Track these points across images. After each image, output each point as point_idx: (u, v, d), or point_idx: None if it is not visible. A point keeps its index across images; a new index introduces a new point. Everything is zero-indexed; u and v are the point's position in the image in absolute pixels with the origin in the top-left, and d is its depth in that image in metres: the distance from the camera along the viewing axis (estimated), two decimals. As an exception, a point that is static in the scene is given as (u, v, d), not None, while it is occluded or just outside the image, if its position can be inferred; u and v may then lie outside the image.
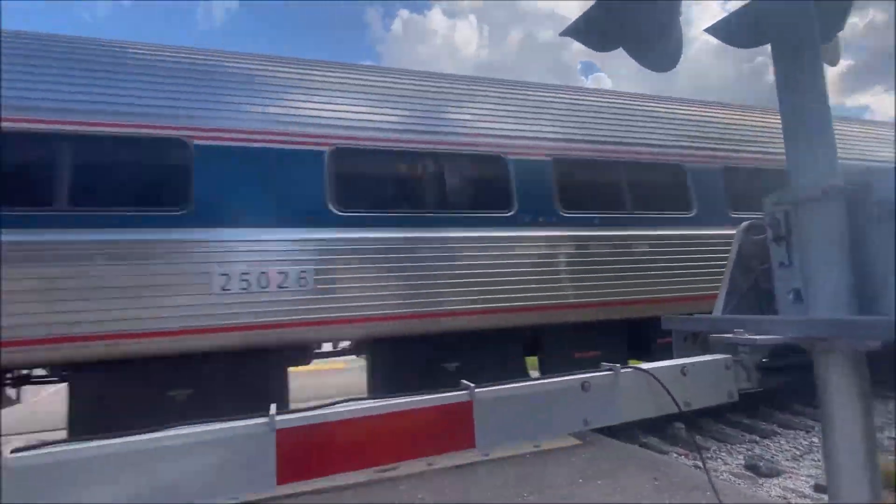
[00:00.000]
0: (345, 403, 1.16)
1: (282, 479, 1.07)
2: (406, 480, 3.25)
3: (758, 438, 4.39)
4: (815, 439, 4.24)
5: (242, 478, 1.06)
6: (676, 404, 1.30)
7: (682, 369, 1.34)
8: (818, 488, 3.23)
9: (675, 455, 4.04)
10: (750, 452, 4.03)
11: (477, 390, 1.21)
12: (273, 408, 1.12)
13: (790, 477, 3.49)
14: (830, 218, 1.46)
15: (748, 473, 3.55)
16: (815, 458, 3.84)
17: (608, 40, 1.91)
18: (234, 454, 1.05)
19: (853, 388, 1.40)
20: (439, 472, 3.38)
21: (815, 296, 1.49)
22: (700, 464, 3.67)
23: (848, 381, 1.40)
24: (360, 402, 1.19)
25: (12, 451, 0.94)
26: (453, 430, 1.20)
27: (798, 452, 3.98)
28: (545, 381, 1.27)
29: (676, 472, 3.32)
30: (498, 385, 1.24)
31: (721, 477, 3.55)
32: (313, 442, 1.10)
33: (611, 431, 4.06)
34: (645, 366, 1.31)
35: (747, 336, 1.38)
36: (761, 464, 3.58)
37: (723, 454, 4.07)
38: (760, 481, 3.44)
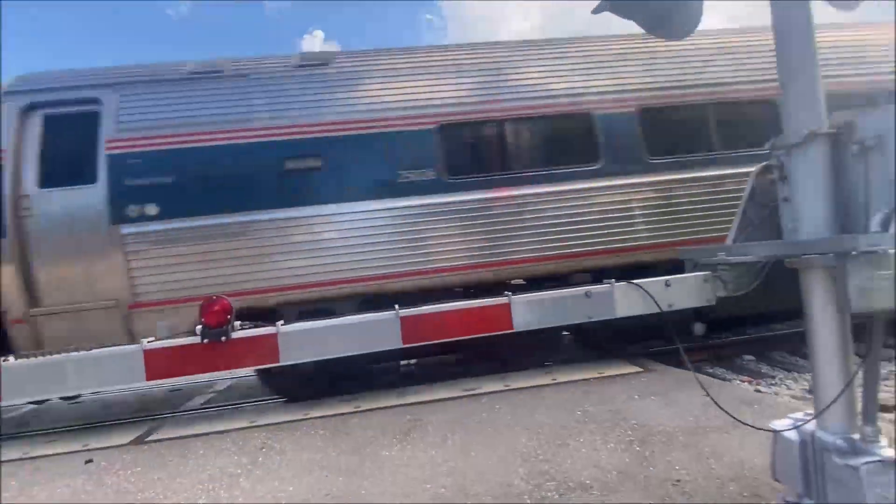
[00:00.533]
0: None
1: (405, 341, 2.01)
2: (488, 396, 3.98)
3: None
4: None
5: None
6: (658, 305, 1.75)
7: (667, 282, 1.78)
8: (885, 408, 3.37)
9: (737, 382, 4.30)
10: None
11: (513, 296, 2.02)
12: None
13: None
14: (815, 158, 1.73)
15: (809, 396, 3.74)
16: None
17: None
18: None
19: (829, 303, 1.72)
20: (514, 391, 4.07)
21: (802, 225, 1.80)
22: (760, 388, 3.94)
23: (824, 296, 1.73)
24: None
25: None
26: (500, 319, 2.07)
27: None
28: (559, 291, 1.86)
29: (730, 392, 3.66)
30: (527, 293, 1.94)
31: (780, 398, 3.80)
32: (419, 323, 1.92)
33: (676, 362, 4.42)
34: (636, 281, 1.76)
35: (721, 256, 1.76)
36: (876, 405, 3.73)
37: (788, 381, 4.24)
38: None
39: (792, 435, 1.85)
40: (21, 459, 3.66)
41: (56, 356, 2.83)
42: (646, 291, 2.01)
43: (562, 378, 4.26)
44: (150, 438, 3.87)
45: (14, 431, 4.73)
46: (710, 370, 4.66)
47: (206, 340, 2.74)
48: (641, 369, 4.28)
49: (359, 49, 5.26)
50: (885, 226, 1.50)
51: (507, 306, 2.59)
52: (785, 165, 1.89)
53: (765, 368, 4.65)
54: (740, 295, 2.08)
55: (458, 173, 4.64)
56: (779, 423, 1.94)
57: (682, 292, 2.11)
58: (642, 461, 2.64)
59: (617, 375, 4.20)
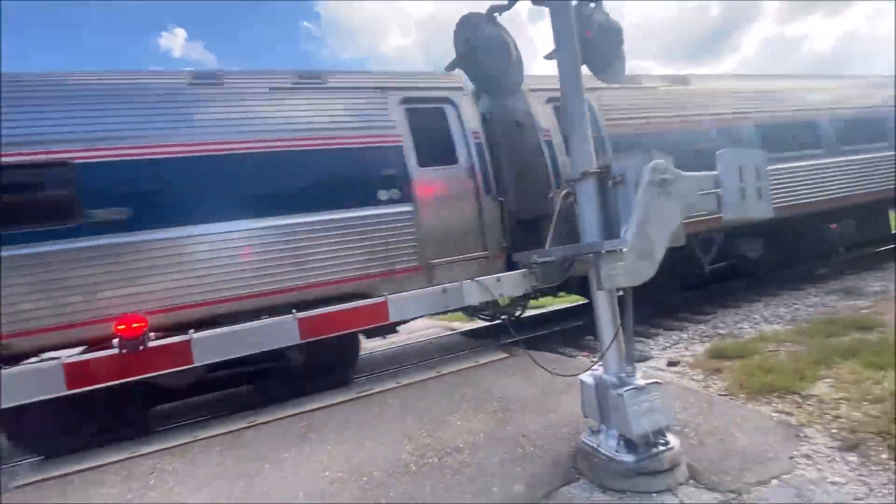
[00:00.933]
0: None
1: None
2: (380, 395, 4.40)
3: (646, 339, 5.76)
4: (685, 334, 5.67)
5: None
6: (492, 293, 2.42)
7: (498, 278, 2.47)
8: (670, 363, 4.60)
9: (579, 356, 5.36)
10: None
11: (390, 296, 2.54)
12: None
13: (656, 360, 4.85)
14: (589, 189, 2.54)
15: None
16: (680, 348, 5.23)
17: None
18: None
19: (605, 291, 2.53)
20: (404, 387, 4.55)
21: (584, 235, 2.60)
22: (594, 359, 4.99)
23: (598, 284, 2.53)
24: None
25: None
26: (381, 312, 2.65)
27: (668, 344, 5.38)
28: (426, 290, 2.45)
29: (573, 364, 4.60)
30: (401, 294, 2.48)
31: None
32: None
33: (537, 348, 5.34)
34: (479, 278, 2.40)
35: (534, 257, 2.50)
36: (635, 353, 4.91)
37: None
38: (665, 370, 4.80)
39: (589, 380, 2.64)
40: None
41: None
42: (484, 285, 2.71)
43: (445, 370, 4.87)
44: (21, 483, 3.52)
45: None
46: (562, 350, 5.68)
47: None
48: (507, 355, 5.09)
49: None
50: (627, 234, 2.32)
51: (384, 303, 3.43)
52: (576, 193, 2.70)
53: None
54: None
55: None
56: (583, 375, 2.72)
57: (509, 284, 2.91)
58: (503, 424, 3.33)
59: (488, 362, 4.93)
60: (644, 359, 4.87)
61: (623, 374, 2.51)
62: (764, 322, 5.69)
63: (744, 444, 2.69)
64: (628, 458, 2.36)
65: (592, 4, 2.75)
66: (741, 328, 5.61)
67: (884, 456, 2.44)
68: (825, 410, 3.05)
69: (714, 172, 2.46)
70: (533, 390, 3.90)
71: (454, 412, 3.64)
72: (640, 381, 2.46)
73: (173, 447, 3.80)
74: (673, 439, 2.46)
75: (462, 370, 4.80)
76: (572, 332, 6.43)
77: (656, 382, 2.47)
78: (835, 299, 6.25)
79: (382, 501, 2.55)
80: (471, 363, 4.99)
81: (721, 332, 5.57)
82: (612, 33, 2.85)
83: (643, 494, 2.29)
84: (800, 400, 3.26)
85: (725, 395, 3.58)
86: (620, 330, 2.54)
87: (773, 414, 3.11)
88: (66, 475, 3.52)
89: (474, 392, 4.06)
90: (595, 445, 2.52)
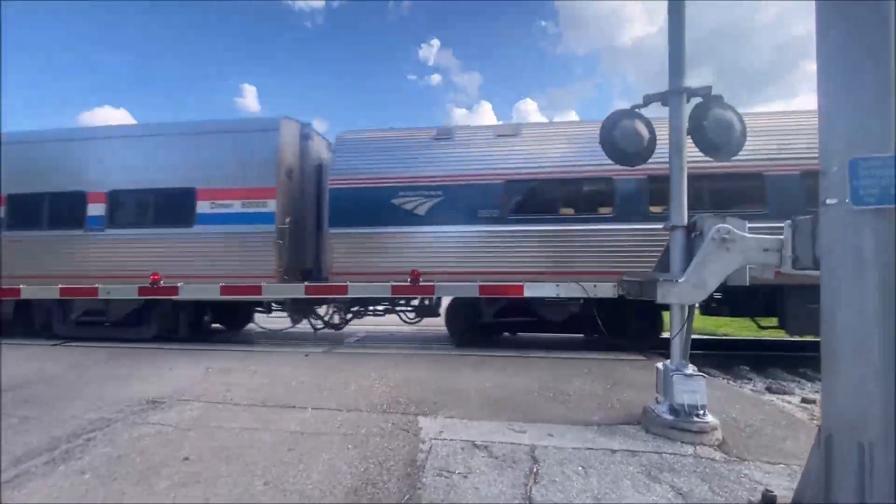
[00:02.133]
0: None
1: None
2: (536, 359, 6.16)
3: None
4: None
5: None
6: (586, 291, 3.84)
7: (594, 284, 3.88)
8: (804, 400, 4.89)
9: (719, 377, 5.89)
10: (772, 382, 5.65)
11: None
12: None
13: (796, 395, 5.12)
14: (678, 238, 3.71)
15: (764, 391, 5.29)
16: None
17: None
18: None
19: (675, 305, 3.69)
20: (555, 359, 6.19)
21: (672, 268, 3.77)
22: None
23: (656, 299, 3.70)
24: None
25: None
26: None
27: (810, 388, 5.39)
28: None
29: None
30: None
31: (743, 390, 5.42)
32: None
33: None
34: (580, 283, 3.85)
35: (623, 277, 3.82)
36: (774, 387, 5.23)
37: (759, 382, 5.74)
38: (768, 396, 5.19)
39: (660, 367, 3.83)
40: (267, 352, 6.76)
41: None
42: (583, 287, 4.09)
43: (590, 357, 6.27)
44: (335, 350, 6.77)
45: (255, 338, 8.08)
46: (706, 369, 6.25)
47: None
48: (645, 358, 6.11)
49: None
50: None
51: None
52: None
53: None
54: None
55: None
56: (658, 363, 3.92)
57: (601, 290, 4.11)
58: (608, 391, 4.68)
59: (627, 360, 6.08)
60: (783, 392, 5.23)
61: (680, 365, 3.66)
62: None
63: (790, 447, 3.44)
64: (669, 417, 3.55)
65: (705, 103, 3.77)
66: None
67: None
68: None
69: (780, 237, 3.33)
70: (642, 379, 5.02)
71: (579, 378, 5.15)
72: (689, 371, 3.58)
73: (408, 354, 6.45)
74: (711, 418, 3.51)
75: (606, 360, 6.12)
76: (726, 360, 6.80)
77: (701, 375, 3.54)
78: None
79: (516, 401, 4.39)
80: (613, 357, 6.25)
81: None
82: (724, 125, 3.78)
83: (675, 444, 3.46)
84: None
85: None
86: (682, 333, 3.67)
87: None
88: (356, 353, 6.52)
89: (601, 371, 5.43)
90: (653, 408, 3.76)
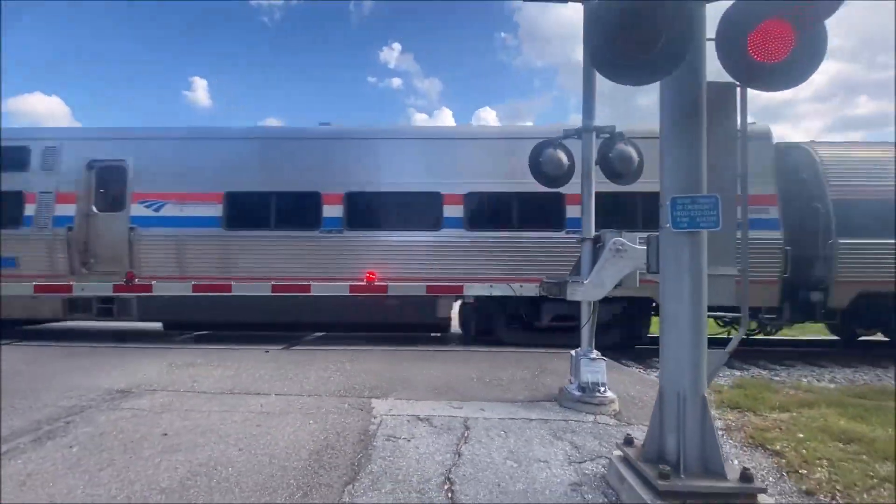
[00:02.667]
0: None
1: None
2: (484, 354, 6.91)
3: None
4: (744, 374, 6.62)
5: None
6: (513, 290, 4.66)
7: (520, 284, 4.67)
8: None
9: (633, 368, 6.89)
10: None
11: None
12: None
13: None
14: (587, 247, 4.57)
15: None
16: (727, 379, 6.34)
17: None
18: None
19: (581, 301, 4.53)
20: (495, 353, 6.95)
21: (582, 271, 4.61)
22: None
23: (566, 297, 4.54)
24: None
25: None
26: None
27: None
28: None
29: (616, 367, 6.32)
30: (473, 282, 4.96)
31: (648, 376, 6.41)
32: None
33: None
34: (510, 283, 4.64)
35: (544, 280, 4.65)
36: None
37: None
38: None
39: (573, 353, 4.66)
40: (227, 349, 7.10)
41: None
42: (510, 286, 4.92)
43: (526, 351, 7.09)
44: (294, 347, 7.21)
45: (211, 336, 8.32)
46: (624, 361, 7.24)
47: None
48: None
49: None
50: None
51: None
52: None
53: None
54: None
55: None
56: (572, 351, 4.75)
57: (526, 289, 4.99)
58: (535, 377, 5.49)
59: (555, 353, 6.96)
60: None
61: (587, 351, 4.50)
62: (814, 379, 6.29)
63: (667, 417, 4.32)
64: (577, 393, 4.38)
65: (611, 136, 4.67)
66: (782, 378, 6.38)
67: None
68: (758, 426, 4.34)
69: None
70: (565, 368, 5.85)
71: (513, 367, 5.94)
72: (594, 356, 4.42)
73: (357, 350, 7.01)
74: (610, 393, 4.36)
75: (538, 353, 6.96)
76: (645, 353, 7.86)
77: (603, 359, 4.40)
78: None
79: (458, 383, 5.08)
80: (544, 351, 7.11)
81: (775, 378, 6.42)
82: (625, 158, 4.69)
83: (580, 414, 4.26)
84: (751, 416, 4.55)
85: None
86: (589, 324, 4.52)
87: (713, 413, 4.54)
88: (312, 349, 7.02)
89: (533, 362, 6.25)
90: (567, 387, 4.57)
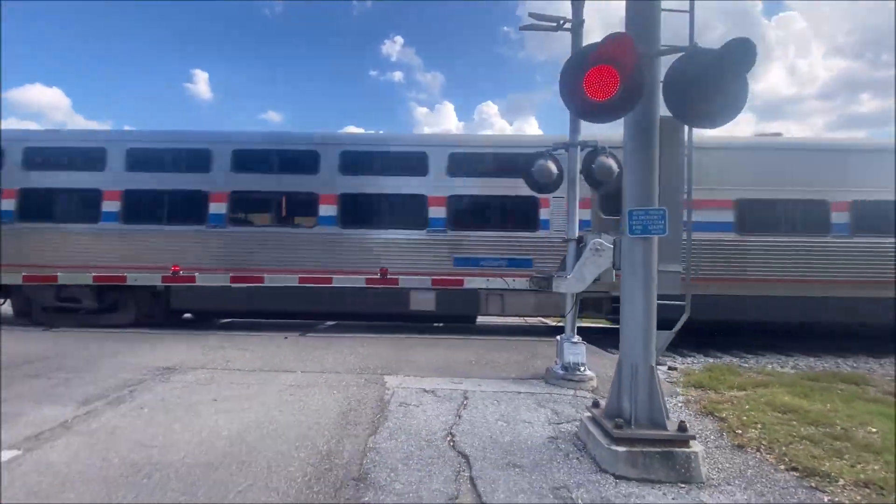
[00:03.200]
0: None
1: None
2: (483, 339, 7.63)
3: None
4: (715, 360, 7.36)
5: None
6: (507, 284, 5.35)
7: (506, 281, 5.41)
8: (669, 367, 6.65)
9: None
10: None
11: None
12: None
13: (669, 364, 6.89)
14: (571, 247, 5.27)
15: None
16: (699, 364, 7.06)
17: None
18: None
19: (566, 292, 5.24)
20: (504, 338, 7.68)
21: (568, 266, 5.32)
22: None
23: (554, 288, 5.25)
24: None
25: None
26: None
27: (693, 363, 7.23)
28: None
29: (599, 354, 7.04)
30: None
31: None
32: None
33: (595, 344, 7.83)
34: (505, 278, 5.34)
35: (534, 273, 5.35)
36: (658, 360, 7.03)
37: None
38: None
39: (559, 338, 5.38)
40: (249, 335, 7.82)
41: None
42: (505, 281, 5.64)
43: (519, 338, 7.81)
44: (309, 334, 7.94)
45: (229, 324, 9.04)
46: (610, 349, 7.95)
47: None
48: (562, 339, 7.74)
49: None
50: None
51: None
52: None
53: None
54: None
55: None
56: (558, 336, 5.46)
57: (518, 283, 5.71)
58: (527, 360, 6.21)
59: (546, 340, 7.68)
60: (660, 364, 6.98)
61: (570, 336, 5.22)
62: (778, 366, 7.03)
63: (638, 392, 5.04)
64: (561, 372, 5.10)
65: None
66: (750, 364, 7.11)
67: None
68: (714, 400, 5.06)
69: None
70: (554, 352, 6.60)
71: (507, 352, 6.67)
72: (575, 340, 5.14)
73: (363, 336, 7.75)
74: (589, 372, 5.08)
75: (530, 340, 7.69)
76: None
77: (583, 343, 5.12)
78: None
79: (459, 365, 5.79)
80: (537, 339, 7.84)
81: (743, 364, 7.15)
82: (606, 169, 5.36)
83: (562, 389, 4.98)
84: (711, 393, 5.27)
85: (673, 383, 5.72)
86: (572, 313, 5.24)
87: (678, 390, 5.27)
88: (326, 336, 7.75)
89: (525, 348, 6.98)
90: (553, 368, 5.29)
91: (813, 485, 3.03)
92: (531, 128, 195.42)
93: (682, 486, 2.95)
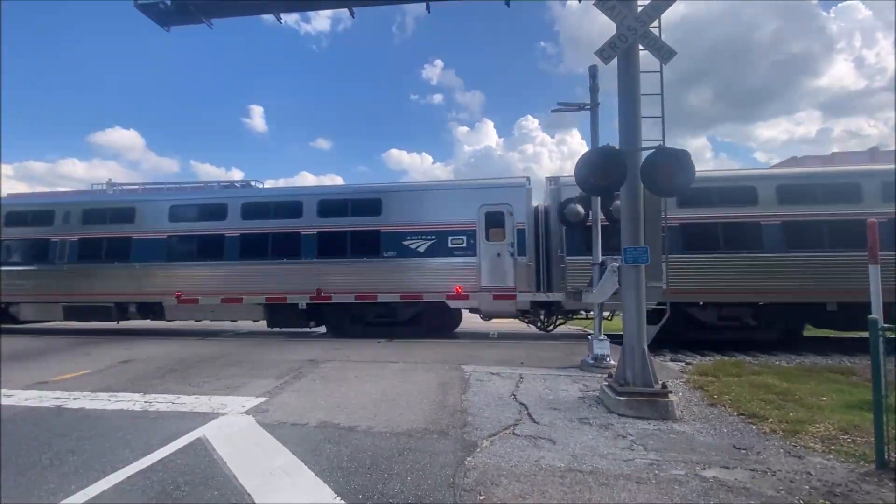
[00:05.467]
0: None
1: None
2: (518, 340, 9.56)
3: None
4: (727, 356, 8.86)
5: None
6: (548, 297, 7.26)
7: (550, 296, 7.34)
8: (672, 359, 8.25)
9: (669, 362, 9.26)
10: (673, 355, 9.07)
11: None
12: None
13: (680, 361, 8.47)
14: (595, 269, 7.15)
15: (668, 359, 8.65)
16: (709, 361, 8.58)
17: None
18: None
19: (594, 303, 7.10)
20: (535, 339, 9.59)
21: (594, 285, 7.19)
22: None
23: (583, 300, 7.11)
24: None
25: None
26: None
27: (703, 360, 8.76)
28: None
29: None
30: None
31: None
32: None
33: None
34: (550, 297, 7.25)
35: (568, 289, 7.23)
36: (673, 357, 8.60)
37: (669, 354, 9.12)
38: (670, 363, 8.55)
39: (590, 337, 7.22)
40: (349, 341, 10.15)
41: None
42: (546, 294, 7.45)
43: (560, 341, 9.64)
44: (394, 341, 10.19)
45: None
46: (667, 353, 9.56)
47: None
48: (598, 342, 9.50)
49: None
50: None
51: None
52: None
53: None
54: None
55: None
56: (589, 336, 7.31)
57: (555, 296, 7.61)
58: (567, 355, 8.07)
59: (583, 342, 9.45)
60: (677, 360, 8.61)
61: (598, 335, 7.06)
62: (784, 362, 8.43)
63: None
64: (591, 362, 6.96)
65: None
66: (759, 361, 8.55)
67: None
68: (708, 381, 6.67)
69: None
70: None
71: (551, 349, 8.55)
72: (602, 338, 6.99)
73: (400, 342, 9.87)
74: (613, 362, 6.89)
75: (569, 343, 9.50)
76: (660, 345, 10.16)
77: (608, 339, 6.96)
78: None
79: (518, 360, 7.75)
80: (574, 342, 9.64)
81: (752, 360, 8.61)
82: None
83: (592, 374, 6.80)
84: (710, 378, 6.88)
85: (684, 373, 7.36)
86: (598, 318, 7.09)
87: (684, 375, 6.94)
88: (412, 342, 9.98)
89: (565, 347, 8.83)
90: (586, 359, 7.14)
91: (750, 422, 4.75)
92: (574, 139, 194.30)
93: (662, 421, 4.77)
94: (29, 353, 8.77)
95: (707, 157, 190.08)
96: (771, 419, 4.77)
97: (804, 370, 7.58)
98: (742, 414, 4.98)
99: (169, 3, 6.46)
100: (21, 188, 74.95)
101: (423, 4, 8.35)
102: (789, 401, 5.45)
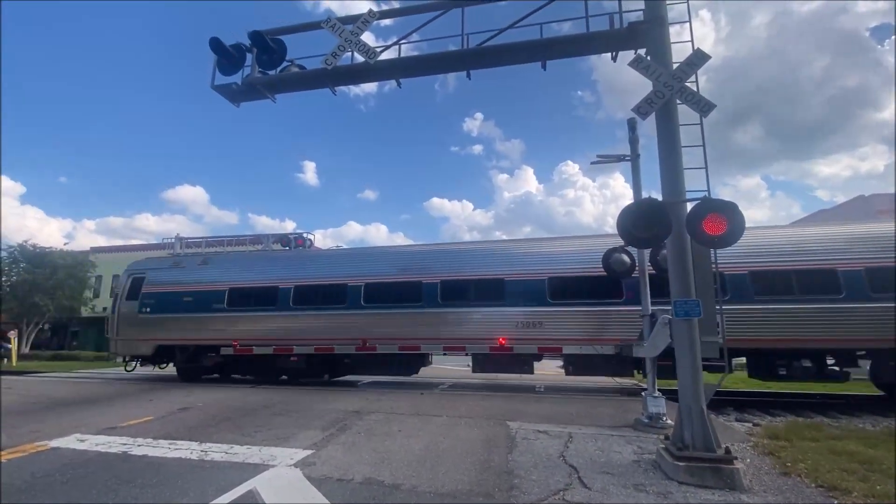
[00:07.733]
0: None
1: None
2: (575, 395, 9.18)
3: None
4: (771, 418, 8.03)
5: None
6: (617, 349, 7.03)
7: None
8: (737, 419, 7.58)
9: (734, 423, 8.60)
10: (739, 415, 8.32)
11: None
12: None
13: (746, 421, 7.78)
14: (646, 322, 6.90)
15: (734, 420, 7.98)
16: (780, 422, 7.83)
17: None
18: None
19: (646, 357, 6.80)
20: (594, 393, 9.17)
21: (645, 338, 6.92)
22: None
23: (635, 354, 6.81)
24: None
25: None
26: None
27: (774, 421, 7.99)
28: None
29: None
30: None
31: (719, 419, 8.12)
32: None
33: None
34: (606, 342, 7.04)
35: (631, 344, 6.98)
36: (740, 417, 7.90)
37: (734, 414, 8.39)
38: (735, 424, 7.88)
39: (644, 394, 6.86)
40: (390, 392, 10.14)
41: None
42: (595, 348, 7.27)
43: (613, 396, 9.17)
44: (435, 392, 10.06)
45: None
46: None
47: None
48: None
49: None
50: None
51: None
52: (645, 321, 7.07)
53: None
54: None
55: None
56: (644, 395, 6.95)
57: (605, 349, 7.35)
58: (619, 411, 7.65)
59: (636, 398, 8.94)
60: (744, 420, 7.94)
61: (652, 391, 6.70)
62: (870, 425, 7.54)
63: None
64: (646, 421, 6.56)
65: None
66: (840, 423, 7.71)
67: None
68: (779, 446, 6.07)
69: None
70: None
71: (603, 406, 8.15)
72: (656, 395, 6.61)
73: (453, 392, 9.65)
74: (669, 421, 6.47)
75: (622, 398, 9.02)
76: (722, 404, 9.43)
77: (663, 396, 6.58)
78: None
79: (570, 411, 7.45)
80: (627, 397, 9.13)
81: (832, 423, 7.78)
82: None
83: (647, 434, 6.40)
84: (782, 442, 6.27)
85: (751, 435, 6.76)
86: (651, 373, 6.74)
87: (752, 439, 6.37)
88: (450, 394, 9.82)
89: (618, 403, 8.38)
90: (640, 418, 6.75)
91: (830, 495, 4.27)
92: (617, 182, 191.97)
93: (728, 491, 4.39)
94: (101, 398, 9.43)
95: (762, 197, 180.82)
96: (855, 492, 4.27)
97: (892, 435, 6.76)
98: (821, 486, 4.49)
99: (240, 83, 7.30)
100: (101, 241, 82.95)
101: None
102: (876, 471, 4.87)
